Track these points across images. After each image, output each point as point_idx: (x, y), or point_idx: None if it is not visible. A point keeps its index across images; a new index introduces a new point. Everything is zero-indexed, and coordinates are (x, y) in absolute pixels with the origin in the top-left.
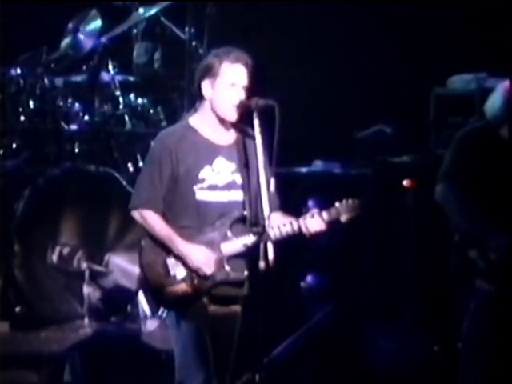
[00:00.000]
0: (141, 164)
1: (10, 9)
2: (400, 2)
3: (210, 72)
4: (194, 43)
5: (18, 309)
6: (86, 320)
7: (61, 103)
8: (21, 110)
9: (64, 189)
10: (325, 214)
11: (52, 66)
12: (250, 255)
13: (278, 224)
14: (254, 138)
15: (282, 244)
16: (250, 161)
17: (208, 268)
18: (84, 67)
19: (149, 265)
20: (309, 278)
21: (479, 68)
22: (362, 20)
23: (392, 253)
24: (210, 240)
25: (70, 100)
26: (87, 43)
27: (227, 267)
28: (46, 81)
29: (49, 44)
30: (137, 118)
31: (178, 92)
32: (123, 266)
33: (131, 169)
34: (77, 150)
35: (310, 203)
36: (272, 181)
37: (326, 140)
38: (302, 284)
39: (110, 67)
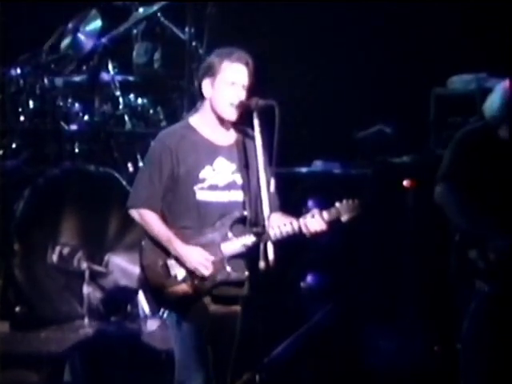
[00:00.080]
0: (141, 164)
1: (9, 9)
2: (400, 2)
3: (210, 71)
4: (193, 43)
5: (17, 309)
6: (86, 320)
7: (61, 103)
8: (21, 110)
9: (64, 189)
10: (325, 214)
11: (52, 66)
12: (250, 255)
13: (278, 224)
14: (253, 139)
15: (282, 244)
16: (250, 161)
17: (205, 268)
18: (84, 67)
19: (149, 265)
20: (309, 278)
21: (479, 68)
22: (362, 20)
23: (392, 253)
24: (211, 240)
25: (69, 100)
26: (87, 43)
27: (228, 267)
28: (45, 81)
29: (48, 44)
30: (137, 118)
31: (178, 92)
32: (123, 266)
33: (131, 169)
34: (77, 150)
35: (310, 203)
36: (272, 181)
37: (326, 140)
38: (302, 284)
39: (110, 67)
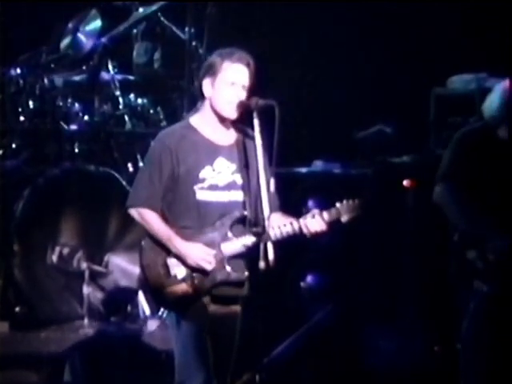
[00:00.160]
0: (141, 164)
1: (9, 9)
2: (400, 2)
3: (211, 70)
4: (194, 43)
5: (17, 309)
6: (86, 320)
7: (61, 103)
8: (21, 110)
9: (64, 189)
10: (325, 215)
11: (52, 66)
12: (250, 255)
13: (279, 224)
14: (254, 139)
15: (282, 244)
16: (250, 161)
17: (207, 263)
18: (84, 67)
19: (149, 265)
20: (309, 278)
21: (479, 68)
22: (361, 20)
23: (392, 253)
24: (211, 240)
25: (69, 100)
26: (87, 43)
27: (228, 267)
28: (45, 81)
29: (49, 44)
30: (137, 118)
31: (178, 92)
32: (123, 266)
33: (131, 169)
34: (77, 150)
35: (310, 203)
36: (272, 181)
37: (326, 140)
38: (302, 284)
39: (110, 67)
